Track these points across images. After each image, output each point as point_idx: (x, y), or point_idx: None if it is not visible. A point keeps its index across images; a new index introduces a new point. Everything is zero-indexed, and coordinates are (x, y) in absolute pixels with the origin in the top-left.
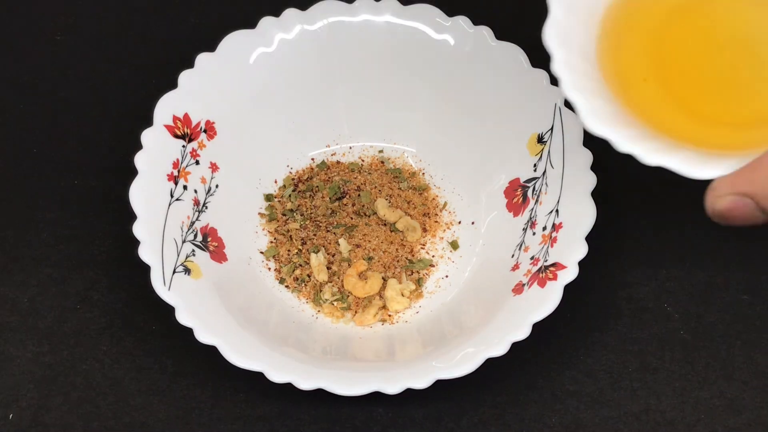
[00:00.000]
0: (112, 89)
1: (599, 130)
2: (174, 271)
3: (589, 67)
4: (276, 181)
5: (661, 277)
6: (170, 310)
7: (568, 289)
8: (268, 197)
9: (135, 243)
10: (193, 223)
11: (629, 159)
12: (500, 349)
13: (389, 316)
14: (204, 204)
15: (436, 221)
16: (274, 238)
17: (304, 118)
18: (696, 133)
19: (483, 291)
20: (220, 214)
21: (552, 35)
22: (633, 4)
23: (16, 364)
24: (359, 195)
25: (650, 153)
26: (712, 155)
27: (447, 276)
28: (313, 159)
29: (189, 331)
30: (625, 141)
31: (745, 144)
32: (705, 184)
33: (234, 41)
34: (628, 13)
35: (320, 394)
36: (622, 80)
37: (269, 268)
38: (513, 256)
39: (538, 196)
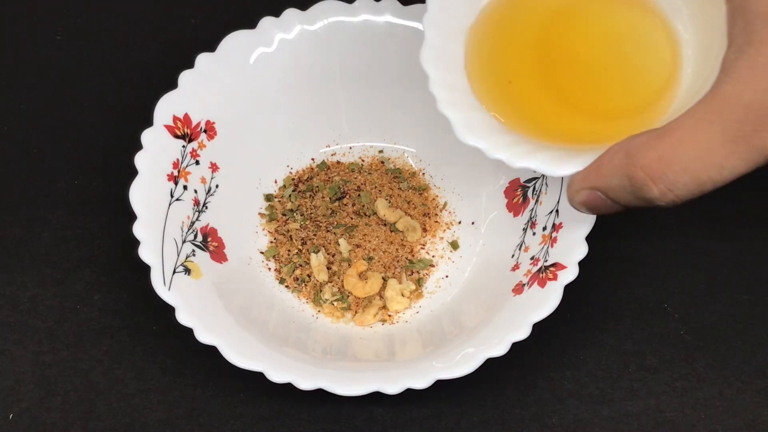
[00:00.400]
0: (112, 89)
1: (470, 141)
2: (174, 271)
3: (464, 83)
4: (276, 181)
5: (661, 277)
6: (170, 310)
7: (568, 289)
8: (268, 197)
9: (135, 243)
10: (193, 223)
11: None
12: (500, 349)
13: (389, 316)
14: (204, 204)
15: (436, 221)
16: (274, 238)
17: (304, 118)
18: (563, 125)
19: (483, 291)
20: (220, 214)
21: (427, 58)
22: (498, 18)
23: (16, 364)
24: (359, 195)
25: (517, 157)
26: (573, 152)
27: (447, 276)
28: (313, 159)
29: (189, 331)
30: (494, 149)
31: (605, 137)
32: None
33: (234, 41)
34: (495, 25)
35: (320, 394)
36: (491, 87)
37: (269, 268)
38: (513, 256)
39: (538, 196)
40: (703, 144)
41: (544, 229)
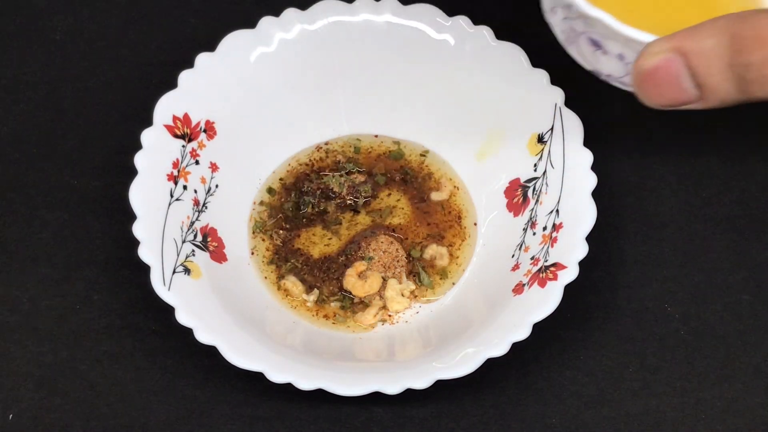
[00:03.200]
0: (112, 89)
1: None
2: (174, 272)
3: None
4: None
5: (661, 277)
6: (170, 310)
7: (568, 289)
8: (269, 190)
9: (135, 243)
10: (193, 223)
11: (630, 158)
12: (500, 349)
13: (389, 316)
14: (204, 204)
15: None
16: None
17: (304, 118)
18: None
19: (483, 291)
20: (220, 214)
21: None
22: None
23: (16, 364)
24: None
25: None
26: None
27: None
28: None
29: (189, 331)
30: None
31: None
32: (704, 182)
33: (234, 41)
34: None
35: (320, 394)
36: None
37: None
38: (513, 256)
39: (539, 196)
40: None
41: (545, 229)
